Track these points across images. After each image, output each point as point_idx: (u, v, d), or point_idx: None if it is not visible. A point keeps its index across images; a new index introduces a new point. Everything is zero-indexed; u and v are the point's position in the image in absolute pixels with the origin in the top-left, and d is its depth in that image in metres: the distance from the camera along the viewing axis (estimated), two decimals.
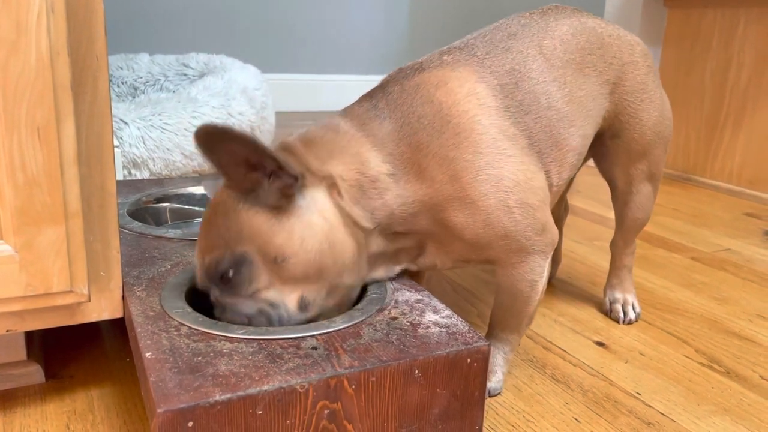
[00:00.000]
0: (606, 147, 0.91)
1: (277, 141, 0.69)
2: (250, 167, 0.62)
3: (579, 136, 0.80)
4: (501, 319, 0.78)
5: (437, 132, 0.67)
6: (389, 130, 0.68)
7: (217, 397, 0.51)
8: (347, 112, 0.71)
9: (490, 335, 0.80)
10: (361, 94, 0.74)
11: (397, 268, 0.74)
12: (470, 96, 0.69)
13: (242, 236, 0.63)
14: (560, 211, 1.13)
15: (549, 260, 0.76)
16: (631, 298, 1.02)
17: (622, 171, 0.93)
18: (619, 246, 1.02)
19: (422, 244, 0.73)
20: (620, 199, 0.97)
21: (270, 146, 0.60)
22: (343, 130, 0.68)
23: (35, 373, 0.76)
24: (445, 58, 0.74)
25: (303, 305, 0.65)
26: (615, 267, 1.04)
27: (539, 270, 0.74)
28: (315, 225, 0.64)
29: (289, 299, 0.65)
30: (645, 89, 0.88)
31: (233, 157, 0.61)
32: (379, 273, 0.73)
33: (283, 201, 0.63)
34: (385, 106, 0.70)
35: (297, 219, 0.63)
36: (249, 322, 0.64)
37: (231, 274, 0.63)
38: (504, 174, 0.68)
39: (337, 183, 0.66)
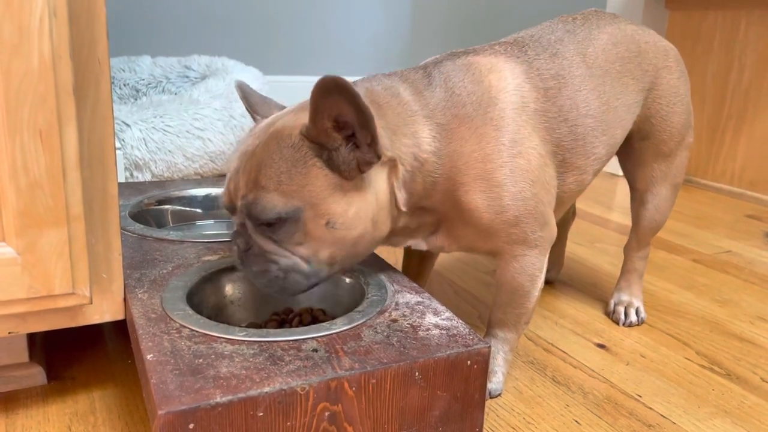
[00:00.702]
0: (633, 148, 0.94)
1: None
2: (338, 126, 0.62)
3: (607, 144, 0.82)
4: (500, 316, 0.79)
5: (483, 108, 0.70)
6: (440, 98, 0.70)
7: (218, 399, 0.51)
8: (403, 77, 0.72)
9: (488, 335, 0.81)
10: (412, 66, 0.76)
11: (411, 242, 0.77)
12: (517, 90, 0.73)
13: (303, 191, 0.63)
14: (567, 215, 1.13)
15: (547, 257, 0.77)
16: (636, 302, 1.02)
17: (645, 172, 0.95)
18: (633, 248, 1.03)
19: (439, 223, 0.75)
20: (639, 200, 0.98)
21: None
22: (403, 98, 0.70)
23: (37, 375, 0.76)
24: (496, 47, 0.78)
25: (332, 262, 0.67)
26: (626, 270, 1.04)
27: (539, 265, 0.76)
28: (370, 203, 0.66)
29: (321, 256, 0.66)
30: (677, 93, 0.90)
31: (331, 109, 0.60)
32: (394, 242, 0.76)
33: (355, 173, 0.64)
34: (437, 75, 0.72)
35: (358, 193, 0.65)
36: (277, 272, 0.65)
37: (277, 222, 0.63)
38: (531, 167, 0.71)
39: (398, 167, 0.68)
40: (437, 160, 0.69)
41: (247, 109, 0.77)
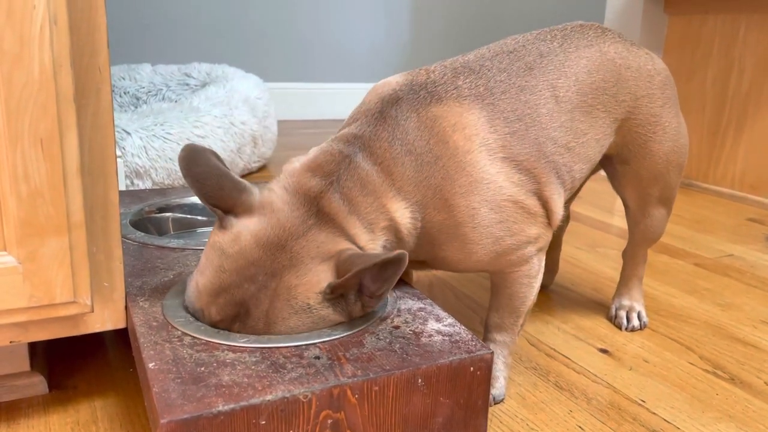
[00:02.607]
0: (616, 170, 0.92)
1: (323, 202, 0.65)
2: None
3: (573, 179, 0.80)
4: (497, 320, 0.79)
5: (451, 177, 0.69)
6: (411, 173, 0.68)
7: (221, 408, 0.51)
8: (373, 155, 0.68)
9: (486, 340, 0.81)
10: (371, 112, 0.71)
11: None
12: (483, 147, 0.70)
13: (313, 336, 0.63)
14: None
15: (543, 259, 0.77)
16: (638, 307, 1.02)
17: (633, 193, 0.93)
18: (630, 256, 1.03)
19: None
20: (632, 219, 0.97)
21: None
22: (375, 184, 0.67)
23: (39, 384, 0.76)
24: (460, 83, 0.73)
25: None
26: (625, 276, 1.04)
27: (533, 272, 0.76)
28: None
29: None
30: (658, 122, 0.87)
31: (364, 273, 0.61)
32: None
33: (360, 313, 0.65)
34: (401, 136, 0.69)
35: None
36: None
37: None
38: (505, 217, 0.71)
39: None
40: (414, 232, 0.70)
41: (200, 198, 0.65)
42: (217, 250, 0.63)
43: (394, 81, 0.74)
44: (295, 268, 0.62)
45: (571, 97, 0.78)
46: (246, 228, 0.63)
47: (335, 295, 0.63)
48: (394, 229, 0.68)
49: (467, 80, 0.73)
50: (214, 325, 0.63)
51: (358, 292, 0.64)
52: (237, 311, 0.62)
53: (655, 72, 0.87)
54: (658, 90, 0.87)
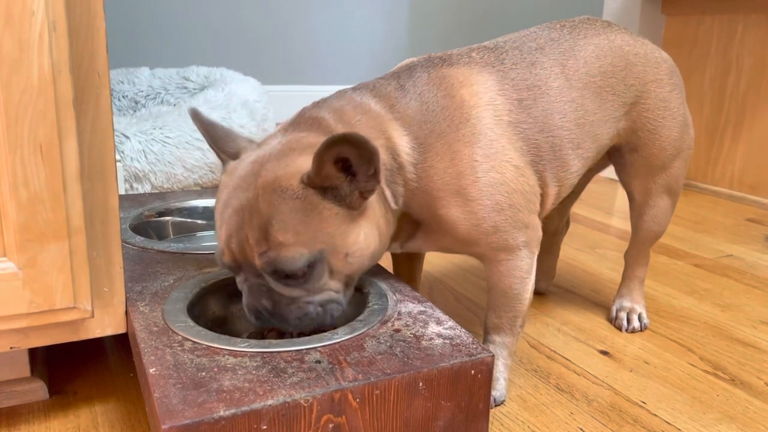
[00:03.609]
0: (625, 160, 0.92)
1: (306, 114, 0.70)
2: (339, 166, 0.62)
3: (582, 158, 0.81)
4: (495, 321, 0.79)
5: (455, 125, 0.71)
6: (415, 110, 0.71)
7: (222, 413, 0.51)
8: (374, 91, 0.73)
9: (486, 341, 0.81)
10: (387, 74, 0.76)
11: (391, 246, 0.77)
12: (489, 105, 0.73)
13: (322, 234, 0.63)
14: (560, 226, 1.13)
15: (535, 257, 0.77)
16: (639, 308, 1.02)
17: (640, 183, 0.94)
18: (632, 256, 1.02)
19: (416, 228, 0.76)
20: (637, 211, 0.97)
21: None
22: (374, 111, 0.70)
23: (39, 390, 0.76)
24: (474, 55, 0.77)
25: (351, 283, 0.69)
26: (626, 277, 1.04)
27: (526, 267, 0.76)
28: (372, 219, 0.67)
29: (343, 283, 0.68)
30: (667, 107, 0.89)
31: (333, 154, 0.61)
32: None
33: (360, 202, 0.65)
34: (411, 87, 0.73)
35: (362, 216, 0.66)
36: (316, 311, 0.66)
37: (303, 272, 0.63)
38: (505, 179, 0.71)
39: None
40: (414, 171, 0.70)
41: (209, 144, 0.72)
42: (221, 185, 0.68)
43: (414, 58, 0.79)
44: (276, 161, 0.65)
45: (581, 77, 0.81)
46: (243, 159, 0.69)
47: (317, 183, 0.62)
48: (392, 150, 0.69)
49: (481, 53, 0.78)
50: (230, 252, 0.65)
51: (352, 181, 0.63)
52: (240, 219, 0.63)
53: (662, 59, 0.90)
54: (665, 76, 0.89)
